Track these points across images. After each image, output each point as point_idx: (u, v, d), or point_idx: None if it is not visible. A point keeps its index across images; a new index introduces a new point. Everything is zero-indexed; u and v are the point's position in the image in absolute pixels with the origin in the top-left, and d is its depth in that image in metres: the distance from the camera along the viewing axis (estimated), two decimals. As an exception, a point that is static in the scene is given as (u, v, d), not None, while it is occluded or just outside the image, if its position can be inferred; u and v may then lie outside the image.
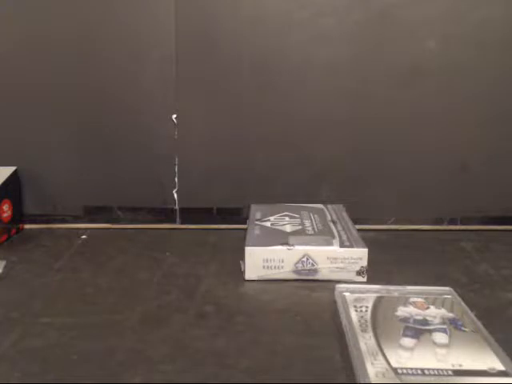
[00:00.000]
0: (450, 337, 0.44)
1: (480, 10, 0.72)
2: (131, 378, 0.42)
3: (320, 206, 0.75)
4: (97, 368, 0.43)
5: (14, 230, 0.76)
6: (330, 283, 0.57)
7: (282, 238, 0.62)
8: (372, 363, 0.40)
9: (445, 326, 0.46)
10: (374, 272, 0.60)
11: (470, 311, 0.49)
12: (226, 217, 0.79)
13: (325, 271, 0.59)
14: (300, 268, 0.59)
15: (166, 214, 0.79)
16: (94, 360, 0.44)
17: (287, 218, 0.69)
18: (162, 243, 0.72)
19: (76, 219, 0.79)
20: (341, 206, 0.75)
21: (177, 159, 0.77)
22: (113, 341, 0.47)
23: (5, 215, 0.73)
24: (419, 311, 0.49)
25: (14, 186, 0.77)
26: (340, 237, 0.62)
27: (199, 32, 0.74)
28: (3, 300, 0.56)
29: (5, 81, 0.75)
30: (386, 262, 0.64)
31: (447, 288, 0.53)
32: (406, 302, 0.50)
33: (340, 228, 0.66)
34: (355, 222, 0.69)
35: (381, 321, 0.47)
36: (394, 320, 0.47)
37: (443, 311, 0.49)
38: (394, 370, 0.40)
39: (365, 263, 0.59)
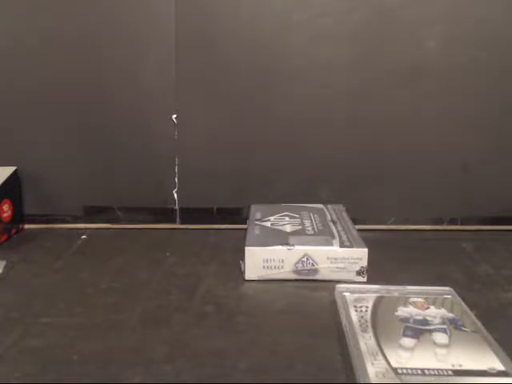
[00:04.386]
0: (449, 337, 0.44)
1: (480, 10, 0.72)
2: (131, 378, 0.42)
3: (320, 206, 0.75)
4: (97, 368, 0.43)
5: (14, 230, 0.76)
6: (330, 283, 0.57)
7: (282, 238, 0.62)
8: (372, 363, 0.40)
9: (445, 326, 0.46)
10: (374, 272, 0.60)
11: (469, 311, 0.49)
12: (226, 217, 0.79)
13: (325, 271, 0.59)
14: (300, 268, 0.59)
15: (166, 214, 0.79)
16: (94, 360, 0.44)
17: (287, 218, 0.69)
18: (162, 243, 0.72)
19: (76, 219, 0.79)
20: (341, 205, 0.75)
21: (177, 159, 0.77)
22: (113, 341, 0.47)
23: (5, 215, 0.73)
24: (419, 311, 0.49)
25: (14, 185, 0.77)
26: (340, 237, 0.62)
27: (199, 32, 0.74)
28: (3, 300, 0.56)
29: (5, 81, 0.75)
30: (386, 262, 0.64)
31: (447, 288, 0.53)
32: (405, 302, 0.50)
33: (340, 228, 0.66)
34: (355, 222, 0.69)
35: (381, 321, 0.47)
36: (394, 320, 0.47)
37: (443, 311, 0.49)
38: (394, 369, 0.40)
39: (365, 263, 0.59)
